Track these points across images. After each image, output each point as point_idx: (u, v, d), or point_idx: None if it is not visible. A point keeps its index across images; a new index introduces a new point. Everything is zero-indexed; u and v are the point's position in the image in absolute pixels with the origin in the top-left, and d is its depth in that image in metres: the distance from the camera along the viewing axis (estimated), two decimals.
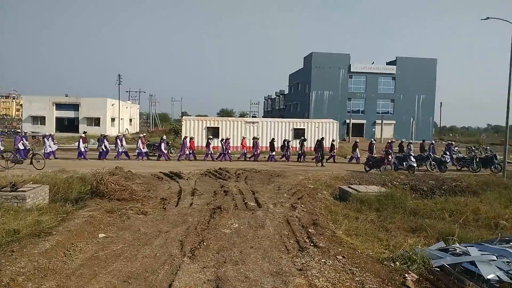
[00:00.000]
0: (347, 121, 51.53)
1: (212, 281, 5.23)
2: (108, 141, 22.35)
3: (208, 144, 23.02)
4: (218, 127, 28.58)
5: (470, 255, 5.93)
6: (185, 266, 5.72)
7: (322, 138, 23.28)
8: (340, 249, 6.71)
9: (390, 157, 19.44)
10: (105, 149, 21.69)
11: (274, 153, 23.46)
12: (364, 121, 54.74)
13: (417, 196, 14.00)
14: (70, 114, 51.28)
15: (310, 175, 16.41)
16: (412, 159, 19.23)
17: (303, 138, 25.23)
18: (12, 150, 17.93)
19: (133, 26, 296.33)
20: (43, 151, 20.85)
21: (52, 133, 22.72)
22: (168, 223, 8.18)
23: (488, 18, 19.39)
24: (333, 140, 25.21)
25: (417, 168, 19.34)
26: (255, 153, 23.31)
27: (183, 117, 35.78)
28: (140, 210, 9.13)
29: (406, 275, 5.58)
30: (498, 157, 20.95)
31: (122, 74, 75.14)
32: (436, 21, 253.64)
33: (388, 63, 56.89)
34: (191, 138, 23.59)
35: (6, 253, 5.70)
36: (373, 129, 54.09)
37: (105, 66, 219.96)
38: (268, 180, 14.39)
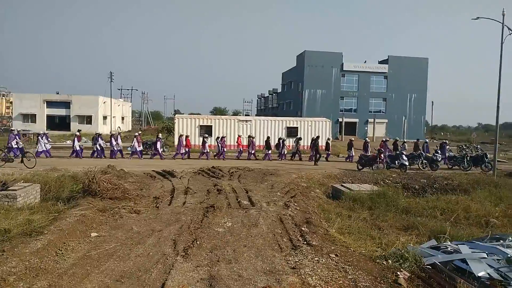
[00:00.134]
0: (340, 119, 51.74)
1: (205, 280, 5.23)
2: (103, 140, 22.21)
3: (204, 142, 22.99)
4: (211, 126, 28.54)
5: (461, 253, 6.00)
6: (178, 265, 5.70)
7: (318, 137, 23.40)
8: (333, 248, 6.74)
9: (382, 155, 19.58)
10: (99, 148, 21.55)
11: (270, 151, 23.51)
12: (356, 120, 55.00)
13: (409, 195, 14.12)
14: (61, 112, 50.73)
15: (303, 174, 16.46)
16: (404, 157, 19.38)
17: (298, 137, 25.29)
18: (1, 148, 17.71)
19: (126, 24, 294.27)
20: (36, 149, 20.68)
21: (46, 132, 22.46)
22: (161, 222, 8.15)
23: (478, 18, 19.59)
24: (328, 139, 25.30)
25: (409, 166, 19.50)
26: (251, 151, 23.33)
27: (176, 115, 35.66)
28: (132, 209, 9.08)
29: (398, 273, 5.63)
30: (488, 155, 21.23)
31: (114, 71, 74.48)
32: (428, 21, 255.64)
33: (380, 62, 57.20)
34: (186, 136, 23.50)
35: None
36: (366, 128, 54.42)
37: (96, 64, 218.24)
38: (262, 179, 14.41)
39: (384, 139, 23.45)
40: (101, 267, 5.61)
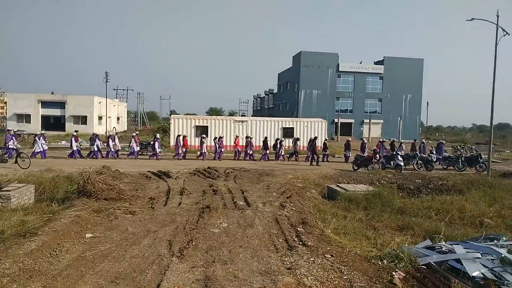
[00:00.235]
0: (336, 120, 51.89)
1: (201, 281, 5.21)
2: (100, 140, 22.14)
3: (201, 143, 22.98)
4: (207, 126, 28.49)
5: (456, 253, 6.03)
6: (174, 266, 5.69)
7: (315, 138, 23.47)
8: (328, 248, 6.75)
9: (377, 156, 19.66)
10: (97, 149, 21.47)
11: (268, 151, 23.53)
12: (352, 121, 55.20)
13: (404, 195, 14.18)
14: (56, 112, 50.44)
15: (299, 174, 16.48)
16: (400, 158, 19.47)
17: (296, 137, 25.33)
18: (1, 147, 17.65)
19: (121, 24, 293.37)
20: (34, 149, 20.57)
21: (43, 132, 22.31)
22: (157, 222, 8.13)
23: (473, 19, 19.71)
24: (325, 139, 25.38)
25: (404, 167, 19.59)
26: (249, 152, 23.35)
27: (172, 115, 35.54)
28: (128, 209, 9.05)
29: (394, 273, 5.65)
30: (482, 156, 21.37)
31: (109, 71, 74.25)
32: (423, 22, 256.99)
33: (376, 63, 57.44)
34: (184, 137, 23.46)
35: None
36: (361, 128, 54.62)
37: (92, 64, 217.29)
38: (257, 179, 14.41)
39: (381, 140, 23.55)
40: (96, 268, 5.58)
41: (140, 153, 22.98)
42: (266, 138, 24.45)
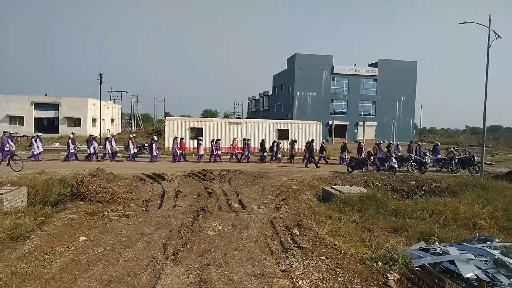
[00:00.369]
0: (330, 122, 52.07)
1: (195, 284, 5.19)
2: (97, 142, 22.03)
3: (199, 145, 22.91)
4: (202, 128, 28.45)
5: (450, 255, 6.07)
6: (168, 269, 5.66)
7: (312, 140, 23.59)
8: (323, 250, 6.76)
9: (372, 158, 19.76)
10: (93, 150, 21.35)
11: (265, 154, 23.55)
12: (346, 123, 55.43)
13: (399, 197, 14.24)
14: (49, 114, 50.12)
15: (294, 176, 16.50)
16: (394, 160, 19.58)
17: (294, 139, 25.40)
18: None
19: (116, 25, 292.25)
20: (32, 152, 20.41)
21: (39, 134, 22.13)
22: (151, 225, 8.09)
23: (465, 22, 19.93)
24: (323, 142, 25.49)
25: (398, 169, 19.70)
26: (246, 154, 23.34)
27: (166, 117, 35.48)
28: (122, 212, 8.99)
29: (388, 275, 5.67)
30: (476, 158, 21.54)
31: (103, 73, 73.87)
32: (416, 24, 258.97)
33: (370, 65, 57.78)
34: (181, 139, 23.41)
35: None
36: (356, 131, 54.90)
37: (86, 65, 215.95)
38: (252, 182, 14.40)
39: (377, 142, 23.68)
40: (89, 271, 5.54)
41: (137, 155, 22.92)
42: (263, 140, 24.49)
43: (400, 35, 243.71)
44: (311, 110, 53.67)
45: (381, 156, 21.43)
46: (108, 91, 73.05)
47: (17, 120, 48.56)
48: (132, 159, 22.01)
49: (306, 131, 29.69)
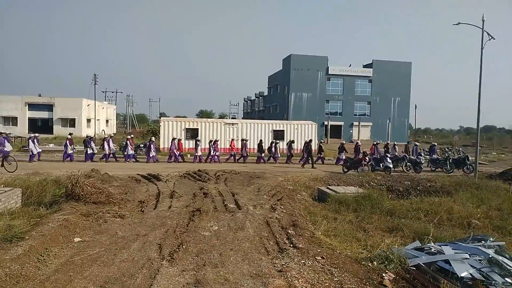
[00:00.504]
0: (325, 123, 52.20)
1: (191, 284, 5.18)
2: (94, 143, 21.92)
3: (196, 146, 22.91)
4: (197, 129, 28.41)
5: (445, 254, 6.10)
6: (164, 269, 5.64)
7: (310, 140, 23.61)
8: (319, 250, 6.77)
9: (367, 158, 19.84)
10: (91, 151, 21.24)
11: (263, 154, 23.56)
12: (341, 123, 55.60)
13: (394, 197, 14.28)
14: (43, 114, 49.80)
15: (290, 177, 16.51)
16: (389, 160, 19.66)
17: (291, 140, 25.45)
18: None
19: (110, 25, 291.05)
20: (31, 152, 20.29)
21: (37, 135, 21.98)
22: (146, 226, 8.06)
23: (459, 23, 20.07)
24: (320, 142, 25.55)
25: (393, 169, 19.77)
26: (244, 155, 23.34)
27: (161, 118, 35.37)
28: (117, 213, 8.95)
29: (384, 274, 5.69)
30: (470, 158, 21.70)
31: (98, 74, 73.54)
32: (411, 25, 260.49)
33: (365, 66, 58.03)
34: (179, 140, 23.37)
35: None
36: (351, 131, 55.09)
37: (80, 66, 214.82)
38: (248, 182, 14.39)
39: (375, 142, 23.76)
40: (84, 272, 5.51)
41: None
42: (261, 141, 24.50)
43: (395, 36, 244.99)
44: (306, 110, 53.80)
45: (378, 156, 21.50)
46: (103, 92, 72.74)
47: (11, 120, 48.20)
48: (130, 160, 21.91)
49: (301, 131, 29.74)
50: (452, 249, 6.31)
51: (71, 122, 49.19)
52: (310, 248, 6.86)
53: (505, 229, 9.85)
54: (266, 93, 72.89)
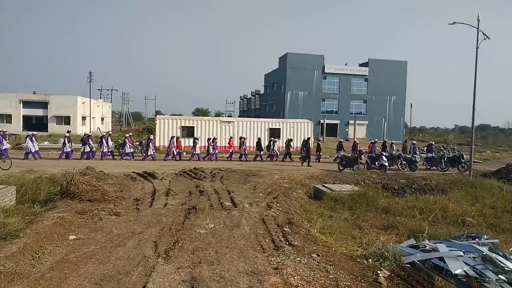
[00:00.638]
0: (321, 121, 52.27)
1: (187, 282, 5.18)
2: (92, 141, 21.83)
3: (195, 144, 22.87)
4: (193, 127, 28.36)
5: (439, 251, 6.14)
6: (160, 267, 5.64)
7: (309, 138, 23.67)
8: (314, 248, 6.79)
9: (362, 157, 19.91)
10: (89, 149, 21.14)
11: (262, 152, 23.55)
12: (337, 122, 55.69)
13: (389, 195, 14.35)
14: (38, 112, 49.39)
15: (286, 175, 16.54)
16: (384, 158, 19.73)
17: (289, 138, 25.49)
18: None
19: (106, 22, 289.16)
20: (30, 151, 20.16)
21: (35, 133, 21.83)
22: (142, 224, 8.04)
23: (454, 23, 20.15)
24: (318, 140, 25.60)
25: (388, 167, 19.85)
26: (242, 153, 23.33)
27: (157, 116, 35.23)
28: (112, 211, 8.92)
29: (379, 271, 5.72)
30: (464, 156, 21.83)
31: (93, 71, 73.02)
32: (406, 24, 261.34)
33: (361, 65, 58.12)
34: (177, 138, 23.32)
35: None
36: (346, 130, 55.19)
37: (75, 63, 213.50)
38: (244, 180, 14.39)
39: (373, 141, 23.85)
40: (79, 270, 5.49)
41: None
42: (259, 139, 24.50)
43: (391, 35, 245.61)
44: (302, 109, 53.83)
45: (374, 154, 21.57)
46: (98, 89, 72.40)
47: (5, 118, 47.78)
48: (125, 157, 21.83)
49: (297, 130, 29.79)
50: (447, 246, 6.35)
51: (66, 120, 48.85)
52: (305, 245, 6.87)
53: (499, 227, 9.93)
54: (262, 92, 72.81)
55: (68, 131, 22.80)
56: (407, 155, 22.02)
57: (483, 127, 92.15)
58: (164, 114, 51.86)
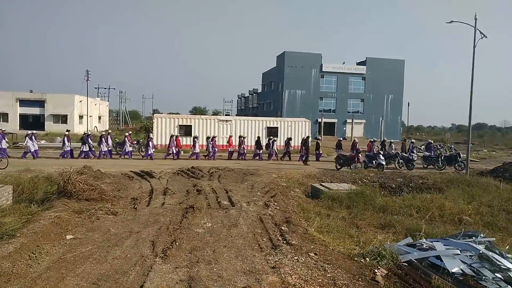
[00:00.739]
0: (319, 120, 52.33)
1: (184, 281, 5.18)
2: (91, 140, 21.75)
3: (194, 143, 22.85)
4: (191, 125, 28.31)
5: (436, 250, 6.16)
6: (157, 266, 5.63)
7: (308, 137, 23.63)
8: (312, 246, 6.80)
9: (360, 155, 19.94)
10: (88, 148, 21.07)
11: (261, 151, 23.54)
12: (335, 120, 55.77)
13: (386, 194, 14.39)
14: (35, 111, 49.17)
15: (283, 174, 16.55)
16: (381, 157, 19.78)
17: (289, 137, 25.49)
18: None
19: (103, 20, 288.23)
20: (29, 150, 20.07)
21: (34, 132, 21.72)
22: (139, 223, 8.03)
23: (452, 21, 20.20)
24: (318, 139, 25.62)
25: (386, 166, 19.90)
26: (241, 152, 23.32)
27: (155, 114, 35.17)
28: (110, 210, 8.91)
29: (376, 270, 5.73)
30: (461, 155, 21.91)
31: (90, 70, 72.91)
32: (404, 23, 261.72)
33: (359, 64, 58.20)
34: (176, 137, 23.29)
35: None
36: (344, 128, 55.28)
37: (72, 61, 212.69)
38: (242, 179, 14.39)
39: (372, 140, 23.89)
40: (77, 270, 5.47)
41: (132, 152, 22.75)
42: (259, 137, 24.48)
43: (388, 34, 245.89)
44: (300, 107, 53.86)
45: (371, 153, 21.60)
46: (96, 88, 72.19)
47: (1, 117, 47.56)
48: (125, 156, 21.79)
49: (295, 128, 29.79)
50: (444, 245, 6.38)
51: (63, 119, 48.67)
52: (303, 244, 6.88)
53: (496, 225, 9.98)
54: (260, 90, 72.79)
55: (67, 130, 22.72)
56: (404, 154, 22.07)
57: (480, 126, 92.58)
58: (162, 113, 51.74)
